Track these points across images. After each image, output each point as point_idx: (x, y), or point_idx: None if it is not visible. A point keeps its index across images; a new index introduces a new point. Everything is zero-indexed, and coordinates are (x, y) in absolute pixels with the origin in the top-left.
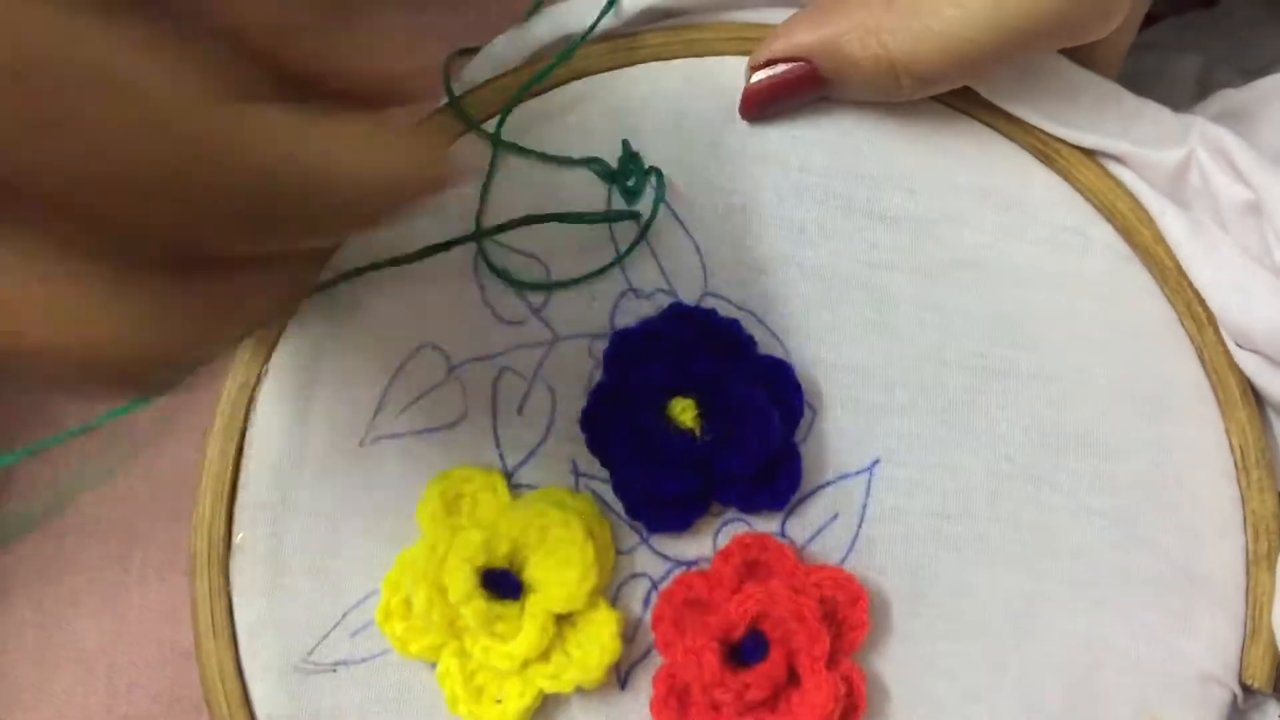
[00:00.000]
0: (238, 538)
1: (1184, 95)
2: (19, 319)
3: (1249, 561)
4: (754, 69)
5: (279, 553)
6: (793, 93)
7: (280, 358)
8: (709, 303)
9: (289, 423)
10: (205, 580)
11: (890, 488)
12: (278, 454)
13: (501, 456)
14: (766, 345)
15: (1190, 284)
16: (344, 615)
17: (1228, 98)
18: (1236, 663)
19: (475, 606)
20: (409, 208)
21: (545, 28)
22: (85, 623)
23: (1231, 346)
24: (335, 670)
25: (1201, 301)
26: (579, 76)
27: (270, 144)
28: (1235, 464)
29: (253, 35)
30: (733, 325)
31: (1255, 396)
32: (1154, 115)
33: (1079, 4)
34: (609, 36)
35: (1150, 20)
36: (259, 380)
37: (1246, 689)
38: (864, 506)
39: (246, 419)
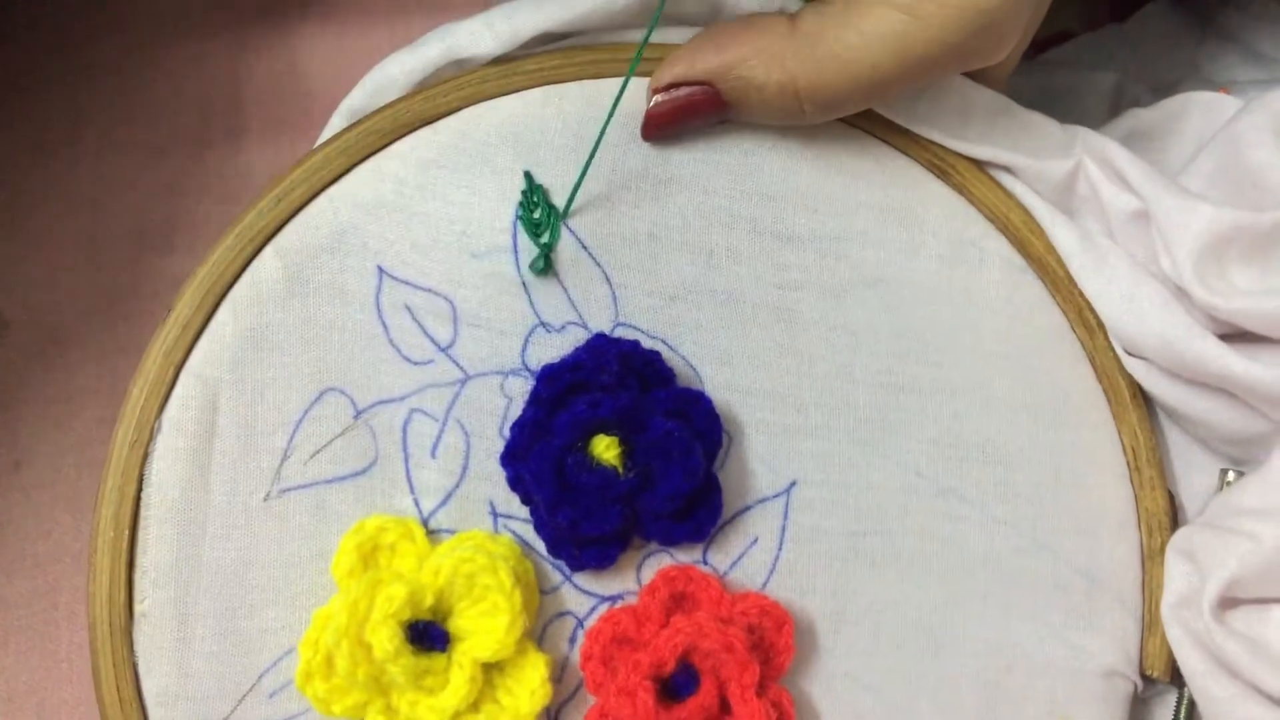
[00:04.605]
0: (140, 605)
1: (1097, 112)
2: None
3: (1144, 557)
4: (655, 91)
5: (186, 618)
6: (695, 116)
7: (173, 411)
8: (621, 333)
9: (187, 480)
10: (108, 652)
11: (807, 508)
12: (177, 514)
13: (416, 502)
14: (680, 373)
15: (1080, 292)
16: (259, 677)
17: (1137, 116)
18: (1137, 655)
19: (403, 663)
20: None
21: (436, 50)
22: (14, 660)
23: (1121, 354)
24: None
25: (1092, 308)
26: (473, 102)
27: None
28: (1128, 464)
29: None
30: (655, 358)
31: (1145, 398)
32: (1042, 127)
33: (976, 34)
34: (502, 60)
35: (1064, 36)
36: (151, 436)
37: (1147, 679)
38: (782, 529)
39: (141, 480)
